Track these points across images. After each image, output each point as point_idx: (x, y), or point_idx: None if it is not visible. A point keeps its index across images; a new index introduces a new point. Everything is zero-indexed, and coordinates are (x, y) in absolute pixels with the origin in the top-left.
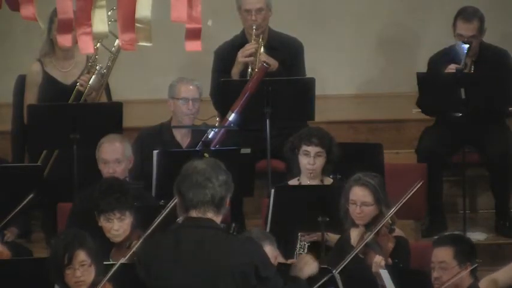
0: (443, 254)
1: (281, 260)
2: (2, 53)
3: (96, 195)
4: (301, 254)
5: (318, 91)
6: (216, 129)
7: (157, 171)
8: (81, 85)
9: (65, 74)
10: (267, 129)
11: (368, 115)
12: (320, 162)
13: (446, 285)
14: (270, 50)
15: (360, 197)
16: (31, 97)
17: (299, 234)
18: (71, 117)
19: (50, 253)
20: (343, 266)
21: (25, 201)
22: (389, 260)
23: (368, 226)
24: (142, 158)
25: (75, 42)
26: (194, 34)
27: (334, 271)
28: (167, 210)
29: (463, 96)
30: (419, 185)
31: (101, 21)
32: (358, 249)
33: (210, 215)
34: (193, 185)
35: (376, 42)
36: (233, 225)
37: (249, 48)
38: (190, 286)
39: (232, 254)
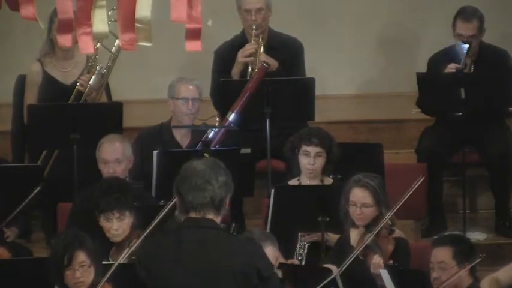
0: (442, 254)
1: (281, 260)
2: (2, 53)
3: (96, 195)
4: (301, 253)
5: (318, 91)
6: (216, 129)
7: (157, 171)
8: (81, 85)
9: (65, 74)
10: (267, 129)
11: (368, 115)
12: (320, 162)
13: (445, 285)
14: (270, 50)
15: (359, 199)
16: (31, 97)
17: (299, 234)
18: (71, 117)
19: (49, 254)
20: (344, 268)
21: (31, 195)
22: (391, 262)
23: (368, 227)
24: (142, 158)
25: (75, 42)
26: (194, 34)
27: (335, 274)
28: (165, 210)
29: (463, 96)
30: (421, 181)
31: (101, 21)
32: (359, 251)
33: (210, 216)
34: (193, 187)
35: (376, 42)
36: (233, 225)
37: (249, 48)
38: (191, 286)
39: (233, 255)
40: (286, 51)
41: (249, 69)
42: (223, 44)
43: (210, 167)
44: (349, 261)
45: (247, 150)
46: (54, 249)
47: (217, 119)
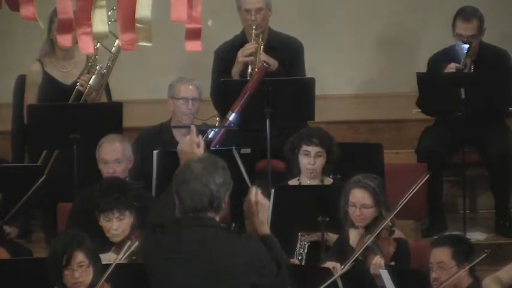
0: (441, 254)
1: None
2: (2, 53)
3: (96, 195)
4: (301, 253)
5: (318, 91)
6: (216, 129)
7: (157, 171)
8: (81, 85)
9: (65, 74)
10: (267, 129)
11: (368, 115)
12: (320, 162)
13: (444, 285)
14: (270, 49)
15: (359, 199)
16: (31, 97)
17: (299, 234)
18: (71, 117)
19: (48, 254)
20: (345, 269)
21: (36, 184)
22: (392, 264)
23: (367, 228)
24: (142, 158)
25: (75, 42)
26: (194, 34)
27: (336, 275)
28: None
29: (463, 96)
30: (425, 178)
31: (101, 21)
32: (359, 252)
33: (209, 215)
34: (190, 192)
35: (376, 42)
36: (233, 225)
37: (249, 47)
38: (191, 285)
39: (234, 253)
40: (286, 51)
41: (249, 69)
42: (223, 44)
43: (207, 169)
44: (350, 263)
45: (247, 150)
46: (53, 249)
47: (217, 119)
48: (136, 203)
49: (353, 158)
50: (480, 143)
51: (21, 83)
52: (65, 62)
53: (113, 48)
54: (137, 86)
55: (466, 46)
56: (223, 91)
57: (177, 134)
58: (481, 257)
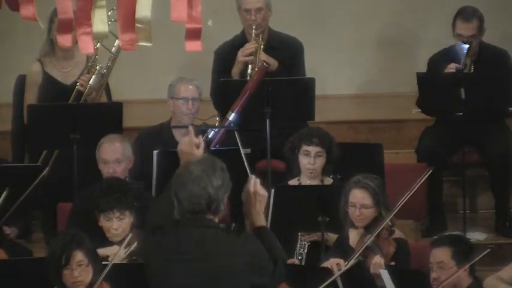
0: (441, 255)
1: None
2: (2, 53)
3: (96, 195)
4: (301, 253)
5: (318, 91)
6: (216, 129)
7: (157, 171)
8: (81, 85)
9: (65, 74)
10: (267, 129)
11: (368, 115)
12: (320, 162)
13: (444, 285)
14: (270, 49)
15: (359, 200)
16: (31, 97)
17: (299, 234)
18: (71, 117)
19: (47, 253)
20: (345, 269)
21: (40, 176)
22: (392, 264)
23: (367, 228)
24: (142, 158)
25: (75, 42)
26: (194, 34)
27: (336, 275)
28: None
29: (463, 96)
30: (429, 173)
31: (101, 21)
32: (359, 252)
33: (208, 216)
34: (188, 195)
35: (376, 42)
36: (233, 225)
37: (248, 47)
38: (191, 285)
39: (233, 253)
40: (286, 51)
41: (249, 69)
42: (223, 44)
43: (205, 172)
44: (351, 263)
45: (247, 150)
46: (52, 248)
47: (217, 119)
48: (137, 203)
49: (353, 158)
50: (480, 143)
51: (21, 83)
52: (65, 62)
53: (113, 48)
54: (137, 86)
55: (466, 46)
56: (223, 91)
57: (177, 134)
58: (484, 253)
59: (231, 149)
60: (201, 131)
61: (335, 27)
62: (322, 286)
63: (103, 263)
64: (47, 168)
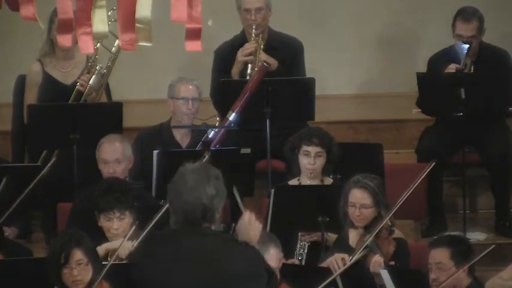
0: (439, 255)
1: (282, 260)
2: (2, 53)
3: (96, 195)
4: (301, 253)
5: (318, 91)
6: (216, 129)
7: (157, 171)
8: (81, 85)
9: (65, 74)
10: (267, 129)
11: (368, 115)
12: (320, 162)
13: (443, 286)
14: (270, 49)
15: (358, 200)
16: (31, 97)
17: (299, 234)
18: (71, 117)
19: (47, 253)
20: (345, 269)
21: (45, 169)
22: (392, 263)
23: (367, 228)
24: (142, 158)
25: (75, 42)
26: (194, 34)
27: (335, 274)
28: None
29: (463, 96)
30: (432, 166)
31: (101, 21)
32: (359, 252)
33: (204, 226)
34: (183, 204)
35: (376, 42)
36: (233, 225)
37: (248, 47)
38: None
39: (233, 260)
40: (286, 51)
41: (249, 69)
42: (223, 44)
43: (199, 181)
44: (351, 263)
45: (247, 150)
46: (51, 248)
47: (217, 119)
48: (137, 203)
49: (353, 158)
50: (480, 143)
51: (21, 83)
52: (65, 62)
53: (113, 48)
54: (137, 86)
55: (466, 46)
56: (223, 91)
57: (177, 134)
58: (488, 249)
59: (231, 149)
60: (201, 131)
61: (335, 27)
62: (322, 286)
63: (103, 263)
64: (49, 164)
